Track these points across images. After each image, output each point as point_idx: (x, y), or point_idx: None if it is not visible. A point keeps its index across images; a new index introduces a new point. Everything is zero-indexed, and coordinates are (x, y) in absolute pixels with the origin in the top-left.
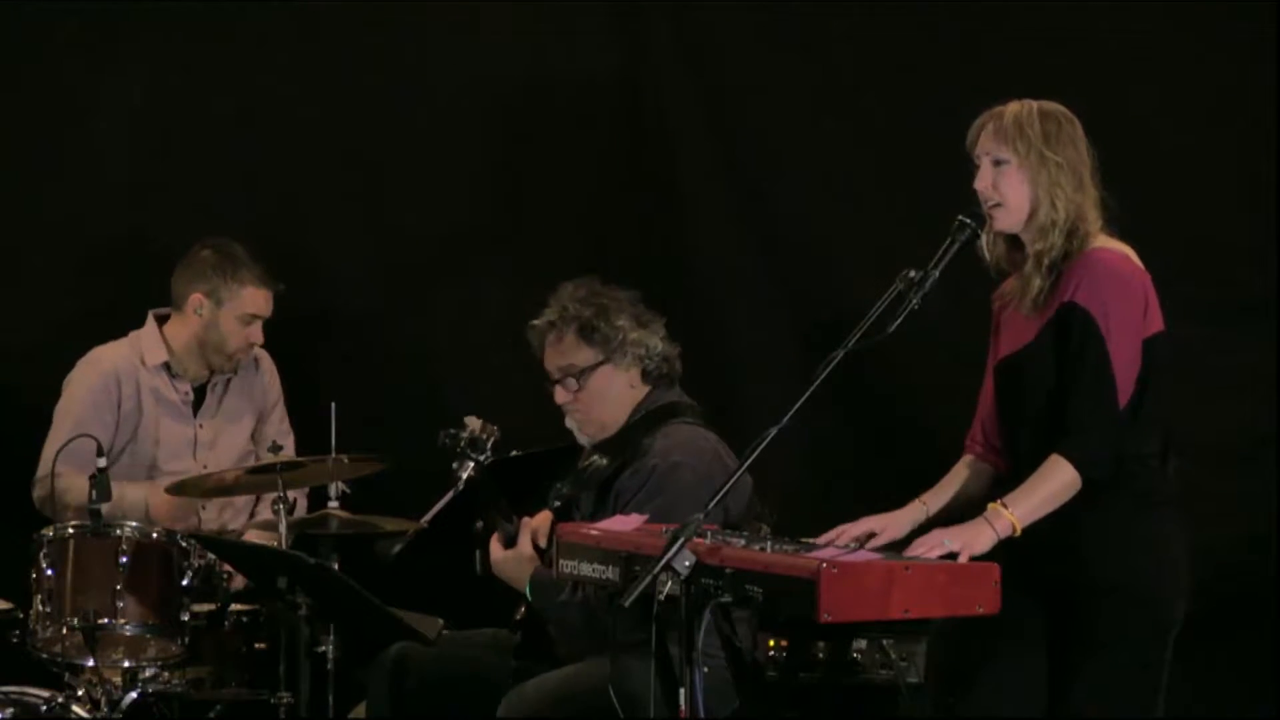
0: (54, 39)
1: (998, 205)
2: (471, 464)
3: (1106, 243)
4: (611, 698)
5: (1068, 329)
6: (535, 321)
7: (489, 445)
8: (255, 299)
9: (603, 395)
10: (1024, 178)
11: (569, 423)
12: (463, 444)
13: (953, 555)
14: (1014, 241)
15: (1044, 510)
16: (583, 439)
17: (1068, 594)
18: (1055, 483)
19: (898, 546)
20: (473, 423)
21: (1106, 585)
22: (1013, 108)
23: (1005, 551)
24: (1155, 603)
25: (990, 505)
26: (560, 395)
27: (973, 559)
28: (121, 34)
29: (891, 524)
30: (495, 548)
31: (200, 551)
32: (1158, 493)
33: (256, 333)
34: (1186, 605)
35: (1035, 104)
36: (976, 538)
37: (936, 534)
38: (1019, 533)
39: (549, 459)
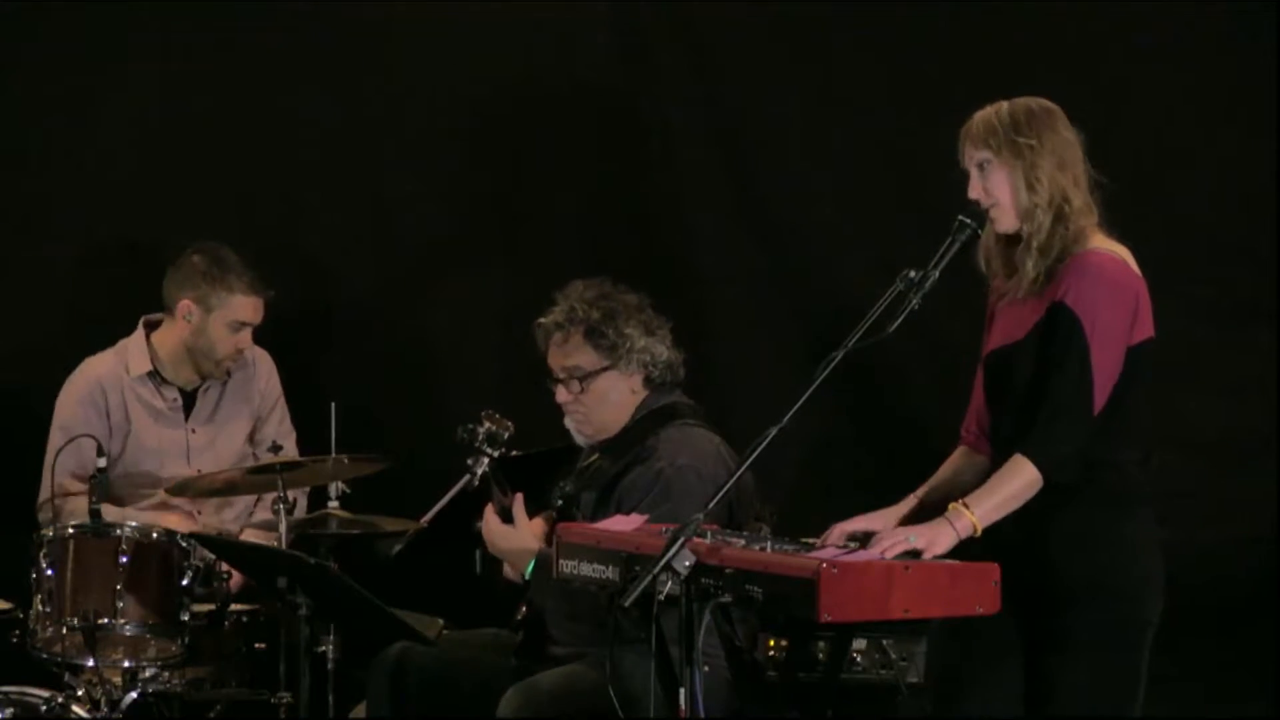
0: (54, 40)
1: (994, 206)
2: (486, 460)
3: (1103, 244)
4: (612, 697)
5: (1054, 329)
6: (543, 319)
7: (504, 441)
8: (244, 306)
9: (604, 399)
10: (1004, 171)
11: (567, 422)
12: (480, 440)
13: (916, 554)
14: (1010, 242)
15: (1005, 510)
16: (580, 439)
17: (1045, 595)
18: (1016, 483)
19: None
20: (488, 419)
21: (1083, 586)
22: (982, 112)
23: (984, 553)
24: (1132, 603)
25: (951, 505)
26: (561, 395)
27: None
28: (122, 36)
29: (885, 522)
30: (490, 518)
31: (200, 551)
32: (1135, 495)
33: (245, 339)
34: (1163, 605)
35: (1006, 102)
36: (938, 537)
37: (901, 530)
38: (979, 533)
39: (550, 458)
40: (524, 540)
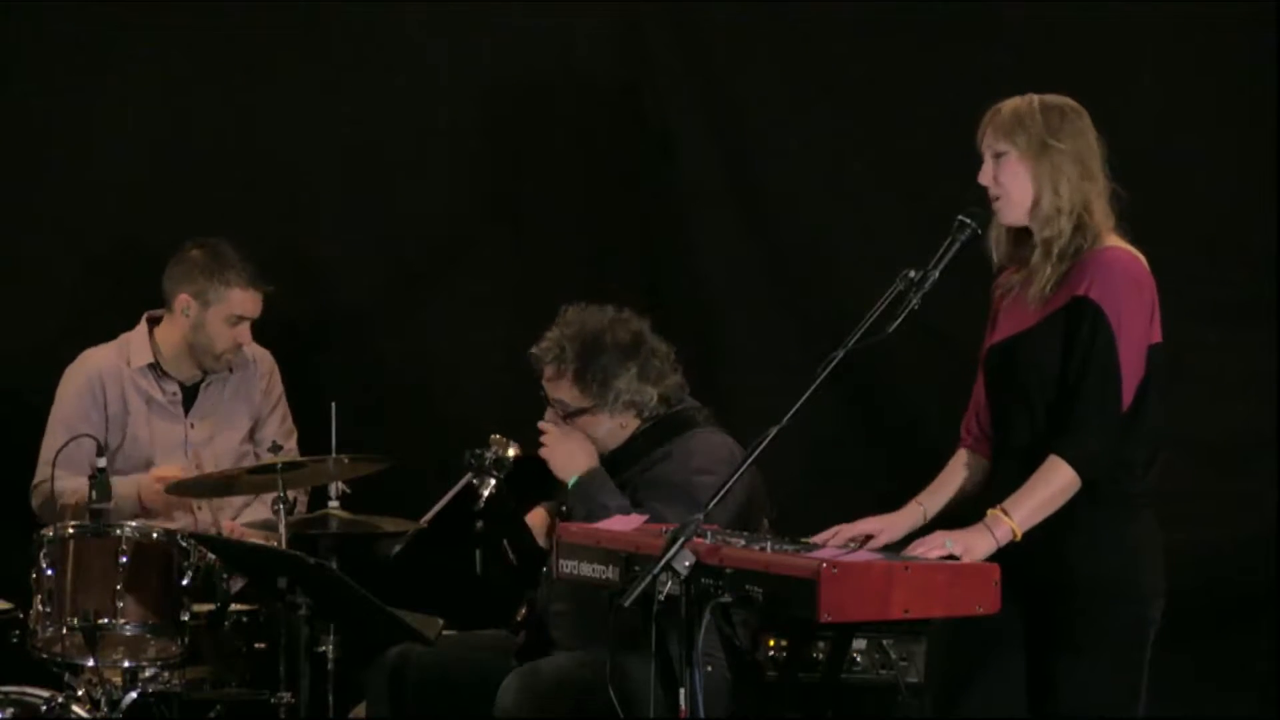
0: (53, 39)
1: (1000, 198)
2: (493, 481)
3: (1121, 244)
4: (609, 690)
5: (1078, 324)
6: (535, 350)
7: (510, 463)
8: (243, 300)
9: (591, 431)
10: (1024, 168)
11: None
12: (487, 463)
13: (954, 556)
14: (1020, 236)
15: (1044, 513)
16: None
17: (1047, 595)
18: (1054, 485)
19: (895, 549)
20: (498, 441)
21: (1085, 586)
22: (1013, 102)
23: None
24: (1134, 602)
25: (990, 511)
26: (550, 418)
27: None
28: (121, 34)
29: (889, 527)
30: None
31: (200, 551)
32: (1138, 497)
33: (244, 333)
34: (1165, 605)
35: (1038, 97)
36: (977, 544)
37: (938, 535)
38: (1019, 537)
39: None
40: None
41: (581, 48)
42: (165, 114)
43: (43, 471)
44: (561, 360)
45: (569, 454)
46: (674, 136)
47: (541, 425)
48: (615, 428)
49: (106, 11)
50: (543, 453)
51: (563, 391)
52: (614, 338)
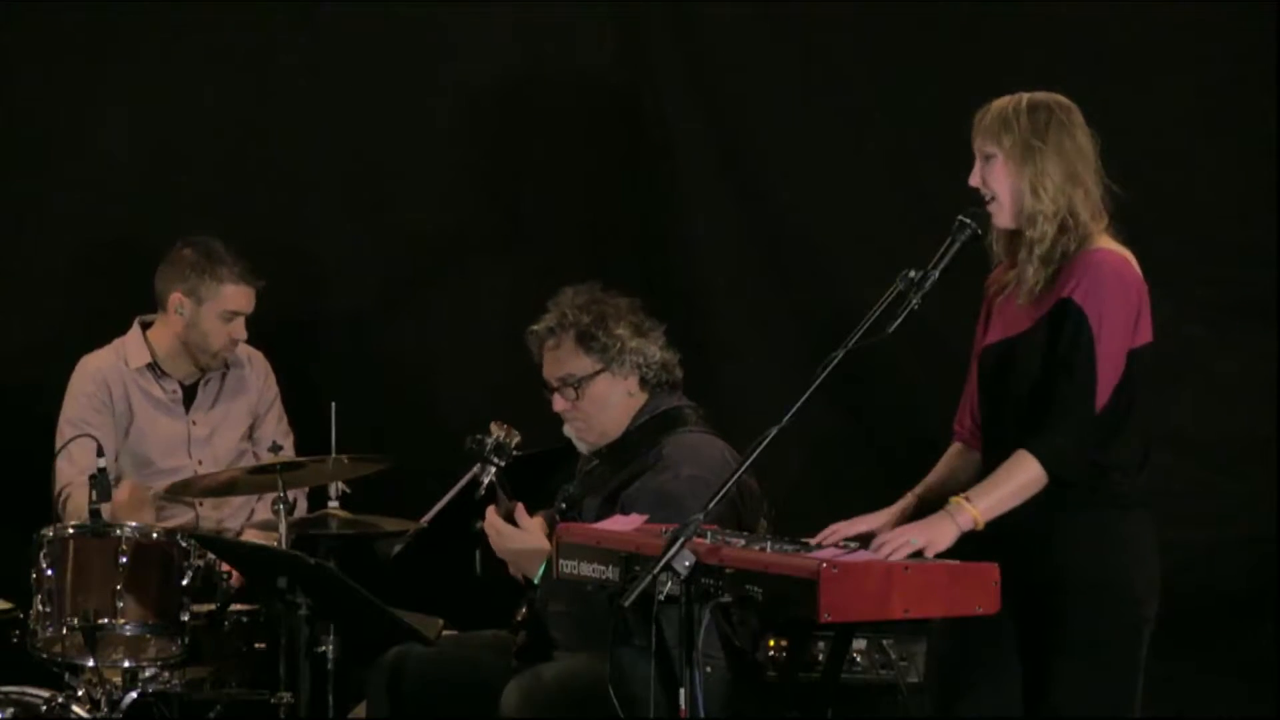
0: (53, 39)
1: (993, 200)
2: (493, 469)
3: (1110, 244)
4: (609, 690)
5: (1060, 325)
6: (534, 327)
7: (512, 450)
8: (235, 296)
9: (601, 403)
10: (1010, 170)
11: (567, 430)
12: (488, 450)
13: (919, 554)
14: (1015, 234)
15: (1007, 505)
16: (582, 447)
17: (1042, 596)
18: (1020, 479)
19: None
20: (497, 428)
21: (1080, 586)
22: (1001, 101)
23: (982, 553)
24: (1129, 602)
25: (952, 499)
26: (559, 403)
27: (939, 555)
28: (121, 34)
29: (884, 523)
30: (496, 520)
31: (200, 551)
32: (1131, 498)
33: (239, 329)
34: (1159, 605)
35: (1027, 96)
36: (939, 533)
37: (900, 532)
38: (981, 526)
39: (550, 459)
40: (536, 541)
41: (581, 47)
42: (165, 114)
43: (63, 480)
44: (562, 327)
45: (528, 551)
46: (673, 135)
47: (490, 529)
48: (623, 395)
49: (106, 11)
50: (500, 553)
51: (568, 363)
52: (611, 301)
